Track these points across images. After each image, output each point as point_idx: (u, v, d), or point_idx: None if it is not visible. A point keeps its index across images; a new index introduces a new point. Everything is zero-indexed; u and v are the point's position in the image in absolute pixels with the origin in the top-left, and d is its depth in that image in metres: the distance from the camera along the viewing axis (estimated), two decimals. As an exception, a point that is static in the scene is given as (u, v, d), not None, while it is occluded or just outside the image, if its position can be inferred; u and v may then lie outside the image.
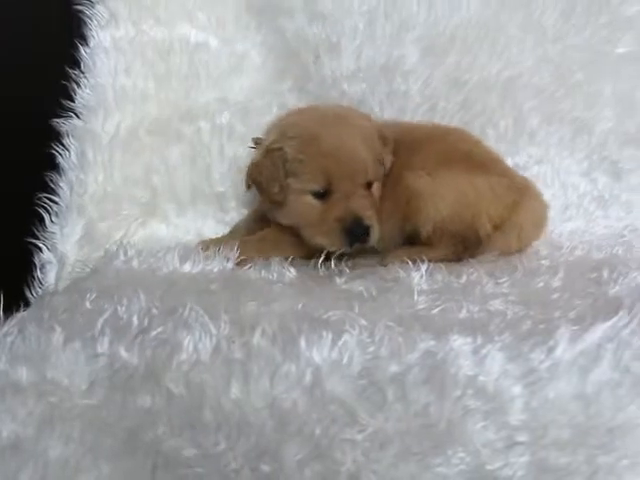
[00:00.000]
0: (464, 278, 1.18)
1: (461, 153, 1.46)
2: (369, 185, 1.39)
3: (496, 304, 1.02)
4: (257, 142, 1.47)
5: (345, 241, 1.32)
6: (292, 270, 1.26)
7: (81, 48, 1.51)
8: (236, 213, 1.66)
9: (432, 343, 0.85)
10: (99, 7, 1.52)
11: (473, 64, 1.62)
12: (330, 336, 0.86)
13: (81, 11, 1.51)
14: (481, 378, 0.82)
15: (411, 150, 1.45)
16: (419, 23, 1.59)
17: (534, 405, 0.82)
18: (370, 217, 1.34)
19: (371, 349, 0.85)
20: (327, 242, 1.33)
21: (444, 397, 0.82)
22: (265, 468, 0.82)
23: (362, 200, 1.35)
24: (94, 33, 1.52)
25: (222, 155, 1.64)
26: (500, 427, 0.81)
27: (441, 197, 1.39)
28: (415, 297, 1.07)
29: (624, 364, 0.83)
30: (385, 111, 1.59)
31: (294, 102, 1.64)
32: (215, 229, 1.63)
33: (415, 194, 1.40)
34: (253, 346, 0.85)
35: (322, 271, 1.27)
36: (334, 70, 1.61)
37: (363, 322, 0.90)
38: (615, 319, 0.86)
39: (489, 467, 0.81)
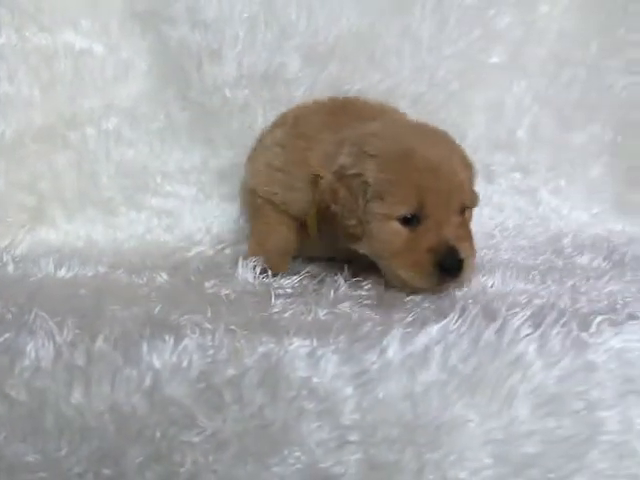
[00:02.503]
0: (327, 281, 1.21)
1: None
2: (463, 211, 1.17)
3: (344, 307, 1.05)
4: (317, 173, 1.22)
5: (435, 276, 1.10)
6: (164, 275, 1.27)
7: (-37, 55, 1.49)
8: (125, 217, 1.66)
9: (271, 346, 0.87)
10: (-20, 14, 1.50)
11: (353, 73, 1.65)
12: (172, 340, 0.87)
13: (-37, 18, 1.50)
14: (315, 380, 0.85)
15: None
16: (299, 32, 1.61)
17: (365, 405, 0.85)
18: (466, 249, 1.13)
19: (210, 352, 0.86)
20: (414, 276, 1.12)
21: (278, 399, 0.85)
22: (107, 472, 0.84)
23: (458, 229, 1.14)
24: (-24, 40, 1.50)
25: (109, 160, 1.64)
26: (333, 427, 0.85)
27: None
28: (272, 301, 1.09)
29: (451, 365, 0.86)
30: (268, 117, 1.60)
31: (178, 109, 1.65)
32: (105, 234, 1.63)
33: None
34: (94, 351, 0.87)
35: (194, 275, 1.28)
36: (216, 77, 1.62)
37: (207, 326, 0.91)
38: (445, 321, 0.90)
39: (322, 465, 0.84)
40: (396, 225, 1.13)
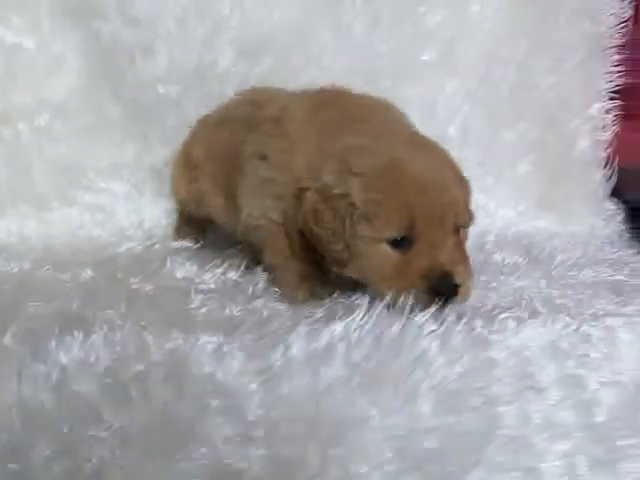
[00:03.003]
0: (248, 277, 1.22)
1: None
2: (457, 231, 1.07)
3: (258, 303, 1.07)
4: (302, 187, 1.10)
5: (427, 300, 0.99)
6: (89, 271, 1.27)
7: None
8: (58, 213, 1.65)
9: (179, 342, 0.88)
10: None
11: (288, 69, 1.65)
12: (81, 336, 0.88)
13: None
14: (220, 376, 0.86)
15: None
16: (232, 26, 1.60)
17: (269, 401, 0.86)
18: (461, 273, 1.03)
19: (117, 348, 0.87)
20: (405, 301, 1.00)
21: (183, 394, 0.86)
22: (13, 466, 0.84)
23: (453, 252, 1.04)
24: None
25: (41, 156, 1.63)
26: (238, 423, 0.86)
27: None
28: (192, 296, 1.10)
29: (355, 361, 0.88)
30: (201, 112, 1.61)
31: (111, 105, 1.65)
32: (37, 230, 1.62)
33: None
34: (1, 347, 0.87)
35: (121, 271, 1.28)
36: (149, 73, 1.61)
37: (118, 322, 0.92)
38: (350, 318, 0.92)
39: (227, 461, 0.85)
40: (385, 248, 1.03)
